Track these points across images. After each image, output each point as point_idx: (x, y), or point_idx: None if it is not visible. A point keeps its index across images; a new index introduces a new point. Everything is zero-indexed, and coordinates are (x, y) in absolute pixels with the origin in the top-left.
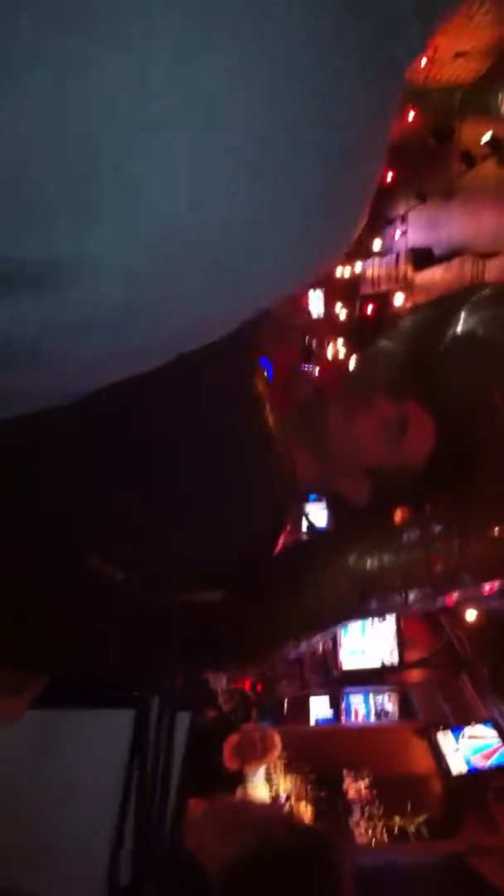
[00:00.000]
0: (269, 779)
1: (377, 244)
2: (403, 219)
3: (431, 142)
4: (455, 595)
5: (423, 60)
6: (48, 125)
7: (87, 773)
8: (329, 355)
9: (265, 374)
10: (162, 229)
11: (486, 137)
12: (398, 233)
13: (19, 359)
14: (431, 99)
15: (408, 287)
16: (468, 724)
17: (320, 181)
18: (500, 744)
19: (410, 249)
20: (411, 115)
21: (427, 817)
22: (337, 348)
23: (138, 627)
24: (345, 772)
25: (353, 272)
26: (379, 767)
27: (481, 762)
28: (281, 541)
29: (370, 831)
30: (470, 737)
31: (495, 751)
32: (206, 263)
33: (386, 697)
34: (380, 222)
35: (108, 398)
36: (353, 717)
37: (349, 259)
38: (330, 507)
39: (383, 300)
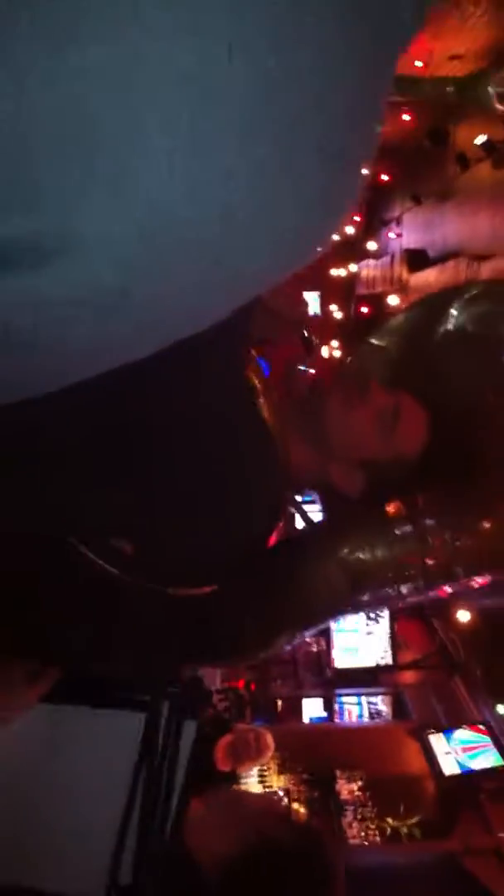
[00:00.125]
0: (262, 779)
1: (372, 245)
2: (398, 220)
3: (427, 144)
4: (447, 588)
5: (419, 63)
6: (40, 101)
7: (94, 771)
8: (325, 356)
9: (259, 365)
10: (156, 218)
11: (481, 140)
12: (393, 234)
13: (9, 342)
14: (423, 91)
15: (402, 289)
16: (461, 725)
17: (320, 181)
18: (493, 745)
19: (405, 251)
20: (406, 117)
21: (420, 818)
22: (332, 349)
23: (134, 621)
24: (338, 772)
25: (348, 273)
26: (372, 768)
27: (474, 764)
28: (275, 534)
29: (363, 832)
30: (463, 738)
31: (487, 752)
32: (206, 263)
33: (379, 698)
34: (375, 224)
35: (103, 390)
36: (346, 718)
37: (345, 260)
38: (324, 503)
39: (378, 301)
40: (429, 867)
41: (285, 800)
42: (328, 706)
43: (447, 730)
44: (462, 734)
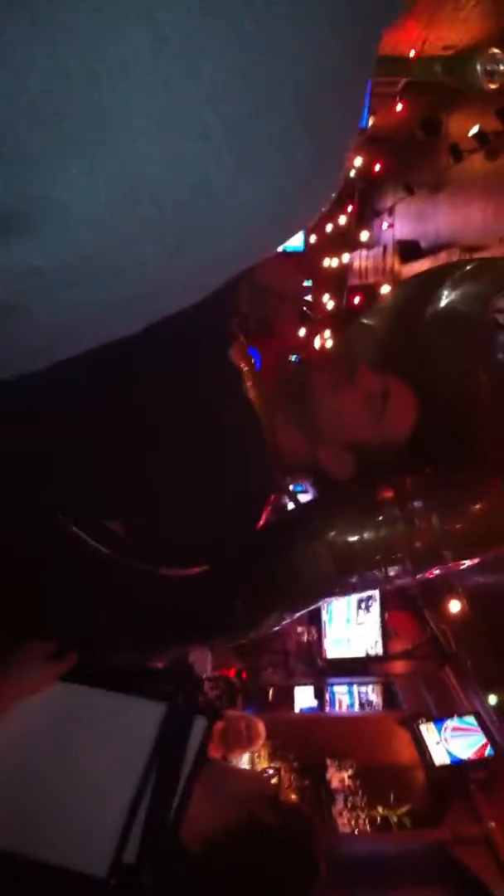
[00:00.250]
0: (253, 768)
1: (365, 236)
2: (391, 211)
3: (419, 134)
4: (435, 571)
5: (412, 52)
6: (18, 70)
7: (110, 752)
8: (317, 346)
9: (249, 353)
10: (131, 183)
11: (474, 130)
12: (385, 225)
13: None
14: (411, 72)
15: (395, 280)
16: (451, 715)
17: (300, 148)
18: (483, 735)
19: (398, 242)
20: (399, 107)
21: (410, 807)
22: (325, 339)
23: (127, 600)
24: (328, 761)
25: (340, 263)
26: (362, 757)
27: (464, 753)
28: (264, 516)
29: (353, 821)
30: (453, 728)
31: (477, 741)
32: (184, 230)
33: (370, 688)
34: (367, 214)
35: (90, 372)
36: (337, 707)
37: (337, 251)
38: (313, 487)
39: (371, 292)
40: (418, 856)
41: (275, 778)
42: (319, 695)
43: (437, 719)
44: (452, 724)
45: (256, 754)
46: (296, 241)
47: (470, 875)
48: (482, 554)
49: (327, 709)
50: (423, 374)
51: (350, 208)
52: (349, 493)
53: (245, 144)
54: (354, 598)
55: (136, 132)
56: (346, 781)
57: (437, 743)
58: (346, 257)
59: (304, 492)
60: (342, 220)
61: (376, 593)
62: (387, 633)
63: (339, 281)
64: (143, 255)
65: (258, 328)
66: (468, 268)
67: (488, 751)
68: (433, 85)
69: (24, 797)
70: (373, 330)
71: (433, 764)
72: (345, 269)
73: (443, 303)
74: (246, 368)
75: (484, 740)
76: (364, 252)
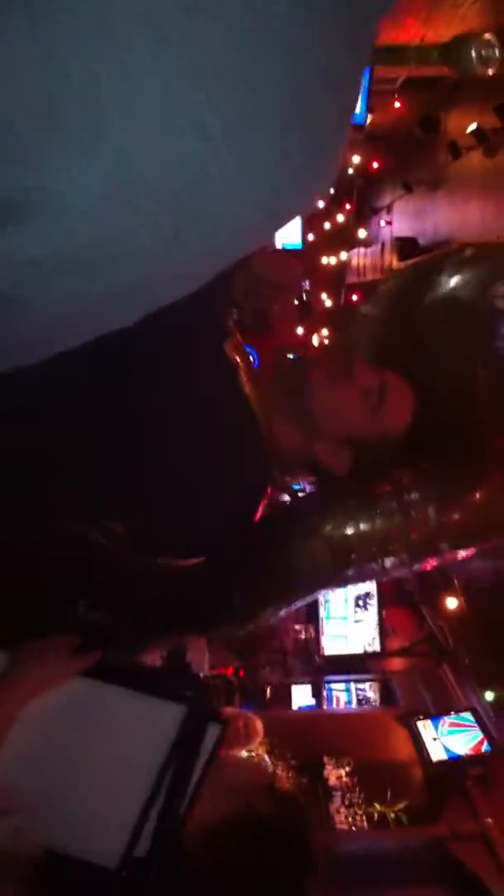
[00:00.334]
0: None
1: (363, 233)
2: (389, 209)
3: (418, 132)
4: (432, 563)
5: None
6: (18, 70)
7: (126, 749)
8: (315, 344)
9: (245, 350)
10: (128, 177)
11: (472, 127)
12: (384, 223)
13: None
14: (408, 60)
15: None
16: (448, 712)
17: (297, 141)
18: (480, 732)
19: (396, 239)
20: (398, 104)
21: (407, 804)
22: (322, 338)
23: (126, 591)
24: (326, 758)
25: (338, 261)
26: (360, 754)
27: (461, 749)
28: (261, 509)
29: (351, 818)
30: (450, 724)
31: (474, 737)
32: (180, 219)
33: (368, 685)
34: (365, 212)
35: (87, 366)
36: (334, 704)
37: (335, 248)
38: (310, 483)
39: (369, 290)
40: (416, 852)
41: (271, 768)
42: (317, 693)
43: (435, 716)
44: (449, 720)
45: (254, 752)
46: (294, 239)
47: (467, 871)
48: (478, 545)
49: (325, 706)
50: (421, 367)
51: (348, 206)
52: (345, 486)
53: (244, 144)
54: (352, 595)
55: (135, 131)
56: (344, 778)
57: (435, 739)
58: (344, 255)
59: (302, 491)
60: (340, 217)
61: (374, 590)
62: (384, 631)
63: (337, 279)
64: (140, 246)
65: (254, 320)
66: (468, 253)
67: (485, 747)
68: (431, 82)
69: (41, 787)
70: (371, 319)
71: (430, 760)
72: (343, 267)
73: (442, 289)
74: (242, 363)
75: (481, 736)
76: (362, 250)
